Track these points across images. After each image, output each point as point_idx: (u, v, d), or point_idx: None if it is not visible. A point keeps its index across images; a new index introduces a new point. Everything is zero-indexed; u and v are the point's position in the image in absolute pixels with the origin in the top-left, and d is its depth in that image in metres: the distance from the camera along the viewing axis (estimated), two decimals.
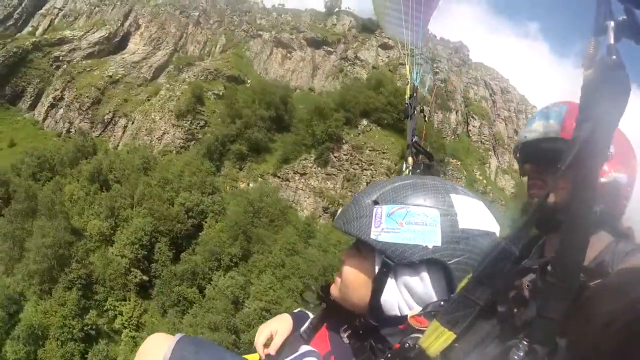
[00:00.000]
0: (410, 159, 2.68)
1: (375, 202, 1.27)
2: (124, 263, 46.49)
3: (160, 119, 79.82)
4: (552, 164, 1.51)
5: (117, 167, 62.76)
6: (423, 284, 1.22)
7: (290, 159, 63.71)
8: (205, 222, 52.26)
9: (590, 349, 1.03)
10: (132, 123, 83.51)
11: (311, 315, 1.59)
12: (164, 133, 77.37)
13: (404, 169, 2.61)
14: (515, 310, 1.09)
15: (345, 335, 1.36)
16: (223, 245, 44.65)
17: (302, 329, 1.53)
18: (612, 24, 0.89)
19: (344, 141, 67.03)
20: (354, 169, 65.89)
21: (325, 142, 63.33)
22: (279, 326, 1.57)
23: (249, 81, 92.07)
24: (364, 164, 64.89)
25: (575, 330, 1.06)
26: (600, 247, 1.43)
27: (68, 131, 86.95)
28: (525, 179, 1.73)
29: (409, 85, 3.01)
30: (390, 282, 1.24)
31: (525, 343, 0.99)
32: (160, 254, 48.65)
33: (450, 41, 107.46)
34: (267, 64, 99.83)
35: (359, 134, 68.47)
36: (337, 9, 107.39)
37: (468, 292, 1.02)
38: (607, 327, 1.00)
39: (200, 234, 51.25)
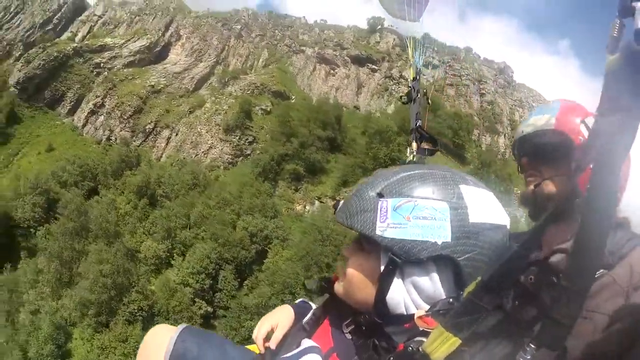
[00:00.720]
0: (414, 144, 2.53)
1: (380, 195, 1.17)
2: (188, 293, 41.48)
3: (207, 132, 75.51)
4: (547, 156, 1.55)
5: (166, 182, 57.98)
6: (432, 282, 1.14)
7: (349, 182, 58.76)
8: (269, 248, 47.19)
9: (593, 348, 1.06)
10: (176, 135, 79.24)
11: (314, 306, 1.49)
12: (210, 147, 72.91)
13: (408, 154, 2.45)
14: (521, 309, 1.06)
15: (348, 331, 1.27)
16: (297, 277, 39.47)
17: (305, 320, 1.43)
18: (638, 4, 0.79)
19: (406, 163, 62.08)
20: None
21: (387, 166, 58.23)
22: (280, 319, 1.48)
23: (293, 97, 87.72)
24: None
25: (578, 328, 1.03)
26: None
27: (108, 139, 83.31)
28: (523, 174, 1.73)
29: (411, 67, 2.78)
30: (397, 280, 1.15)
31: (532, 347, 0.95)
32: (225, 283, 43.85)
33: (494, 62, 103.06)
34: (310, 80, 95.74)
35: (413, 154, 63.68)
36: (379, 27, 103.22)
37: (476, 296, 0.98)
38: (612, 325, 1.05)
39: (264, 261, 46.14)
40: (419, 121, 2.66)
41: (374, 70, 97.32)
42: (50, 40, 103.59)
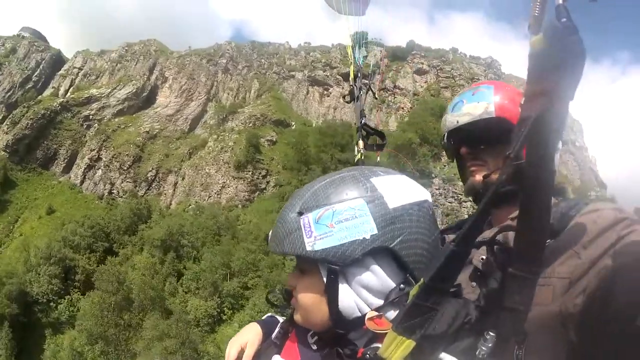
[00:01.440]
0: (360, 142, 2.48)
1: (300, 213, 1.15)
2: None
3: (216, 172, 71.77)
4: (490, 144, 1.52)
5: (188, 231, 53.71)
6: (376, 276, 1.12)
7: None
8: None
9: (555, 312, 1.10)
10: (183, 179, 74.85)
11: (280, 319, 1.46)
12: (223, 187, 69.15)
13: (355, 152, 2.40)
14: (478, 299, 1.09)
15: (313, 341, 1.25)
16: None
17: (274, 335, 1.39)
18: None
19: (433, 175, 59.04)
20: (449, 202, 57.72)
21: (416, 180, 55.12)
22: (248, 337, 1.43)
23: (293, 123, 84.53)
24: (459, 196, 56.80)
25: (538, 296, 1.07)
26: None
27: (110, 193, 79.25)
28: (456, 163, 1.72)
29: (351, 67, 2.79)
30: (343, 287, 1.13)
31: (492, 334, 0.97)
32: None
33: (480, 58, 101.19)
34: (306, 104, 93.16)
35: (445, 165, 60.63)
36: (364, 41, 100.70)
37: (421, 299, 0.96)
38: (570, 287, 1.09)
39: None
40: (364, 118, 2.55)
41: (367, 85, 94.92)
42: (32, 98, 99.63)
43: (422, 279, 0.97)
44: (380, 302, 1.11)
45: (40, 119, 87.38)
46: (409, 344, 0.93)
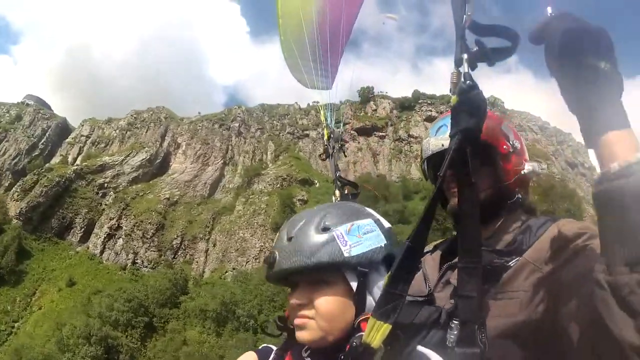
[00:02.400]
0: (337, 192, 2.74)
1: (325, 229, 1.31)
2: None
3: (252, 236, 70.40)
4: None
5: (241, 299, 51.86)
6: (383, 279, 1.29)
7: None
8: None
9: (522, 323, 1.25)
10: (214, 246, 72.80)
11: (274, 348, 1.53)
12: (261, 250, 67.17)
13: (333, 201, 2.54)
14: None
15: (307, 355, 1.36)
16: None
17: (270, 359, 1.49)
18: (465, 56, 1.11)
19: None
20: None
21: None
22: None
23: (316, 181, 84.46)
24: None
25: (500, 307, 1.29)
26: (515, 227, 1.55)
27: (134, 262, 75.98)
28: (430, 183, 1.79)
29: (325, 129, 3.12)
30: (369, 289, 1.30)
31: (456, 322, 1.15)
32: None
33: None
34: (325, 161, 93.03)
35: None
36: (372, 95, 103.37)
37: (391, 287, 1.11)
38: (533, 299, 1.24)
39: None
40: (339, 172, 2.84)
41: (382, 137, 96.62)
42: (41, 165, 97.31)
43: (390, 272, 1.14)
44: None
45: (55, 187, 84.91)
46: (386, 328, 1.08)
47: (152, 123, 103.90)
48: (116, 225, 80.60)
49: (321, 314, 1.27)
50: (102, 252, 78.75)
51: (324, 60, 3.23)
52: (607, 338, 0.88)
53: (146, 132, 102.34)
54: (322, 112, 3.26)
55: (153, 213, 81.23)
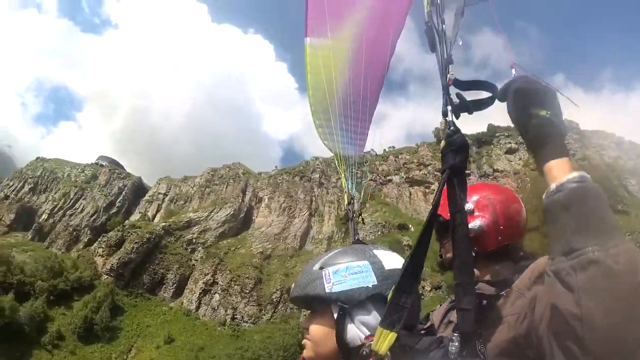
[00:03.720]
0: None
1: (321, 268, 1.57)
2: None
3: None
4: (442, 235, 2.01)
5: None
6: (372, 316, 1.50)
7: None
8: None
9: (510, 342, 1.38)
10: None
11: None
12: None
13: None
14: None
15: None
16: None
17: None
18: (449, 108, 1.34)
19: None
20: None
21: None
22: None
23: (410, 226, 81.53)
24: None
25: (495, 325, 1.43)
26: (504, 272, 1.79)
27: (233, 318, 72.48)
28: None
29: (346, 194, 3.23)
30: (349, 324, 1.50)
31: (456, 335, 1.27)
32: None
33: None
34: (413, 205, 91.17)
35: None
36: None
37: (395, 299, 1.26)
38: (518, 321, 1.37)
39: None
40: (357, 236, 2.95)
41: (467, 175, 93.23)
42: (120, 222, 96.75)
43: (394, 285, 1.28)
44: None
45: (146, 243, 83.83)
46: (392, 336, 1.23)
47: (230, 179, 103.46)
48: (211, 280, 78.22)
49: (311, 338, 1.58)
50: (197, 307, 76.08)
51: (354, 128, 3.27)
52: (557, 314, 1.07)
53: (226, 187, 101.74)
54: (342, 180, 3.27)
55: (249, 267, 78.76)
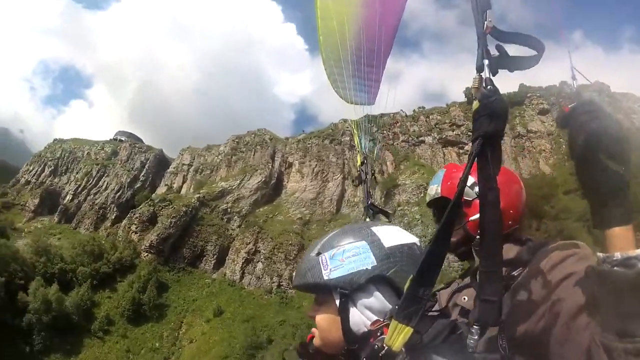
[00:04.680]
0: (368, 220, 2.75)
1: (318, 254, 1.48)
2: None
3: None
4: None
5: None
6: (376, 299, 1.42)
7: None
8: None
9: (531, 328, 1.29)
10: None
11: None
12: None
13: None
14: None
15: None
16: None
17: None
18: (486, 62, 1.14)
19: None
20: None
21: None
22: None
23: None
24: None
25: (509, 311, 1.34)
26: (515, 251, 1.66)
27: (279, 285, 71.24)
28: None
29: (358, 154, 3.14)
30: (352, 309, 1.42)
31: (476, 327, 1.15)
32: None
33: (589, 84, 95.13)
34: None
35: None
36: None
37: (413, 290, 1.15)
38: (539, 305, 1.30)
39: None
40: (370, 199, 2.84)
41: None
42: (148, 196, 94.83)
43: (412, 275, 1.17)
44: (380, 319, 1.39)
45: (183, 217, 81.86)
46: (408, 331, 1.11)
47: (257, 145, 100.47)
48: (253, 249, 76.52)
49: (317, 327, 1.51)
50: (241, 277, 74.83)
51: (367, 75, 3.15)
52: None
53: (253, 154, 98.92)
54: (355, 136, 3.18)
55: (291, 234, 76.91)
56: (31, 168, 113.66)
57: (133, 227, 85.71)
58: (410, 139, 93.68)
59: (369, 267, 1.40)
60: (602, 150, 1.04)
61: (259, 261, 75.10)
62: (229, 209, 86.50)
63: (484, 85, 1.13)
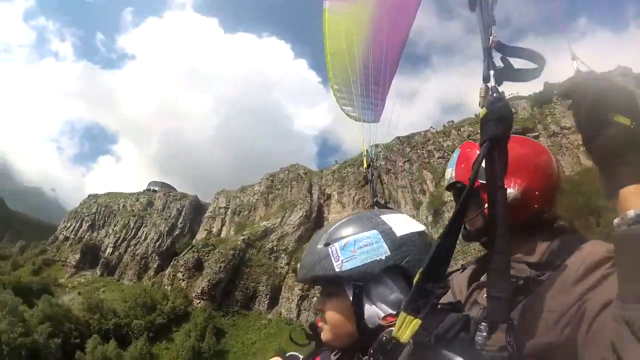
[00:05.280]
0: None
1: (327, 244, 1.38)
2: None
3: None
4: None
5: None
6: (390, 289, 1.34)
7: None
8: None
9: (548, 342, 1.26)
10: None
11: (301, 357, 1.59)
12: None
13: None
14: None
15: (335, 358, 1.45)
16: None
17: None
18: (492, 72, 1.18)
19: None
20: None
21: None
22: None
23: None
24: None
25: (530, 317, 1.30)
26: (542, 247, 1.51)
27: None
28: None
29: (365, 158, 3.29)
30: (366, 300, 1.34)
31: (484, 324, 1.14)
32: None
33: (611, 72, 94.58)
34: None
35: None
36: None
37: (422, 283, 1.12)
38: (560, 320, 1.26)
39: None
40: (376, 198, 2.97)
41: (536, 137, 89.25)
42: (188, 244, 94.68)
43: (421, 268, 1.14)
44: (394, 312, 1.31)
45: (232, 260, 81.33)
46: (416, 323, 1.09)
47: (292, 181, 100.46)
48: (307, 286, 75.21)
49: (327, 321, 1.40)
50: (298, 315, 73.10)
51: (373, 94, 3.29)
52: None
53: (290, 190, 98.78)
54: (362, 145, 3.29)
55: None
56: (68, 225, 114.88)
57: (179, 275, 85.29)
58: (445, 154, 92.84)
59: (383, 258, 1.33)
60: (611, 107, 1.05)
61: (314, 296, 73.67)
62: (274, 248, 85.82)
63: (490, 93, 1.17)
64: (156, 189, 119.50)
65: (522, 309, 1.32)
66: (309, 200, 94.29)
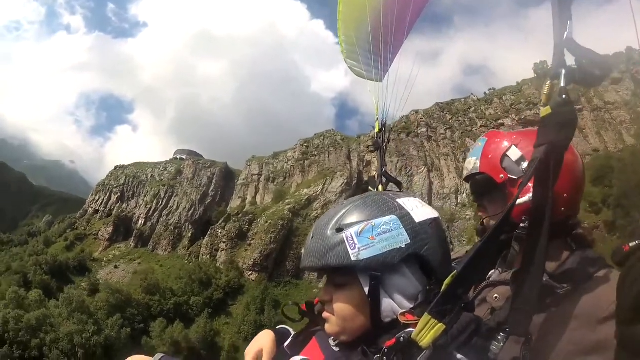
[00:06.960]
0: (380, 187, 2.76)
1: (339, 230, 1.25)
2: None
3: None
4: (482, 195, 1.68)
5: None
6: (407, 280, 1.23)
7: None
8: None
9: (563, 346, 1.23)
10: None
11: (292, 332, 1.50)
12: None
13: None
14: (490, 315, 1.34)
15: (334, 344, 1.32)
16: None
17: (286, 344, 1.44)
18: (563, 71, 1.12)
19: None
20: None
21: None
22: (264, 343, 1.42)
23: None
24: None
25: (549, 340, 1.25)
26: (561, 256, 1.45)
27: None
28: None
29: (376, 122, 3.12)
30: (382, 292, 1.23)
31: (503, 335, 1.11)
32: None
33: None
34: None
35: None
36: (548, 67, 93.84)
37: (453, 287, 1.07)
38: (577, 355, 1.22)
39: None
40: (385, 167, 2.83)
41: (579, 110, 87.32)
42: (224, 212, 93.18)
43: (454, 271, 1.09)
44: (411, 305, 1.21)
45: (281, 230, 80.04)
46: (439, 328, 1.03)
47: (330, 147, 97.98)
48: None
49: (337, 314, 1.26)
50: None
51: (383, 53, 3.17)
52: None
53: (328, 157, 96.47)
54: (375, 105, 3.18)
55: None
56: (97, 197, 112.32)
57: (222, 245, 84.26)
58: (488, 123, 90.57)
59: (403, 246, 1.21)
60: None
61: None
62: (319, 216, 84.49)
63: (559, 94, 1.10)
64: (184, 157, 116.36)
65: (542, 326, 1.26)
66: (349, 167, 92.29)
